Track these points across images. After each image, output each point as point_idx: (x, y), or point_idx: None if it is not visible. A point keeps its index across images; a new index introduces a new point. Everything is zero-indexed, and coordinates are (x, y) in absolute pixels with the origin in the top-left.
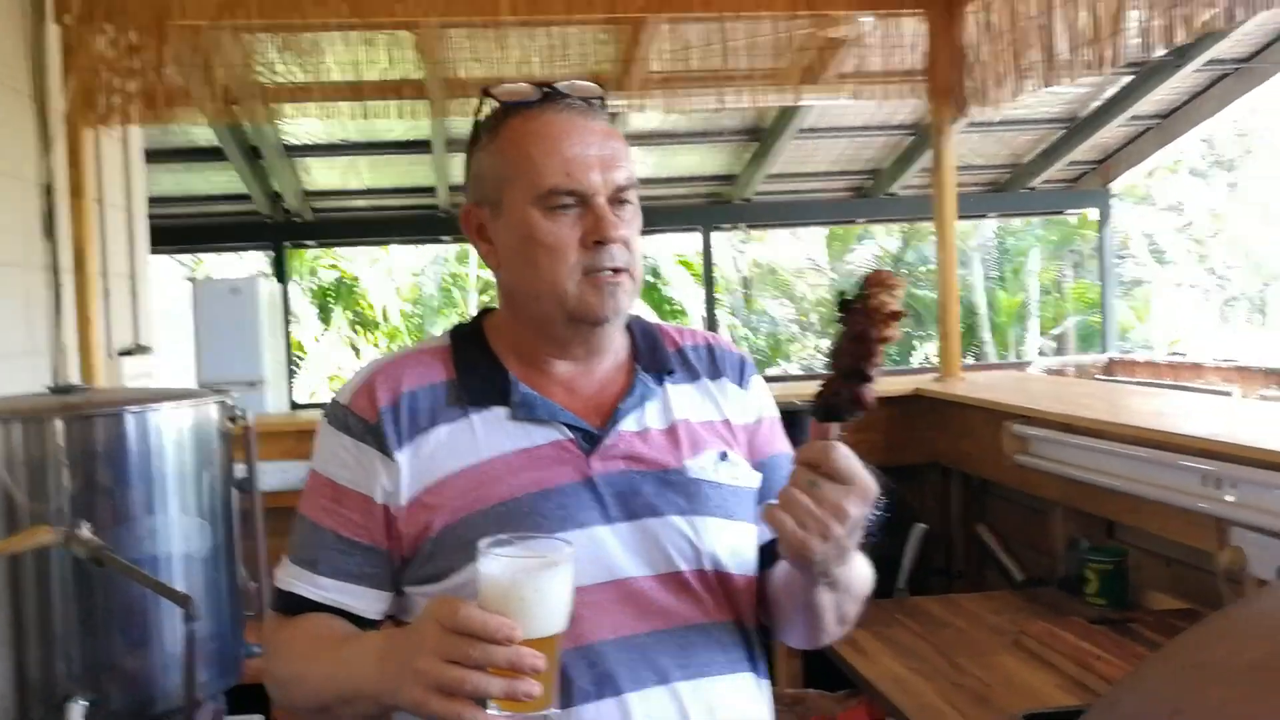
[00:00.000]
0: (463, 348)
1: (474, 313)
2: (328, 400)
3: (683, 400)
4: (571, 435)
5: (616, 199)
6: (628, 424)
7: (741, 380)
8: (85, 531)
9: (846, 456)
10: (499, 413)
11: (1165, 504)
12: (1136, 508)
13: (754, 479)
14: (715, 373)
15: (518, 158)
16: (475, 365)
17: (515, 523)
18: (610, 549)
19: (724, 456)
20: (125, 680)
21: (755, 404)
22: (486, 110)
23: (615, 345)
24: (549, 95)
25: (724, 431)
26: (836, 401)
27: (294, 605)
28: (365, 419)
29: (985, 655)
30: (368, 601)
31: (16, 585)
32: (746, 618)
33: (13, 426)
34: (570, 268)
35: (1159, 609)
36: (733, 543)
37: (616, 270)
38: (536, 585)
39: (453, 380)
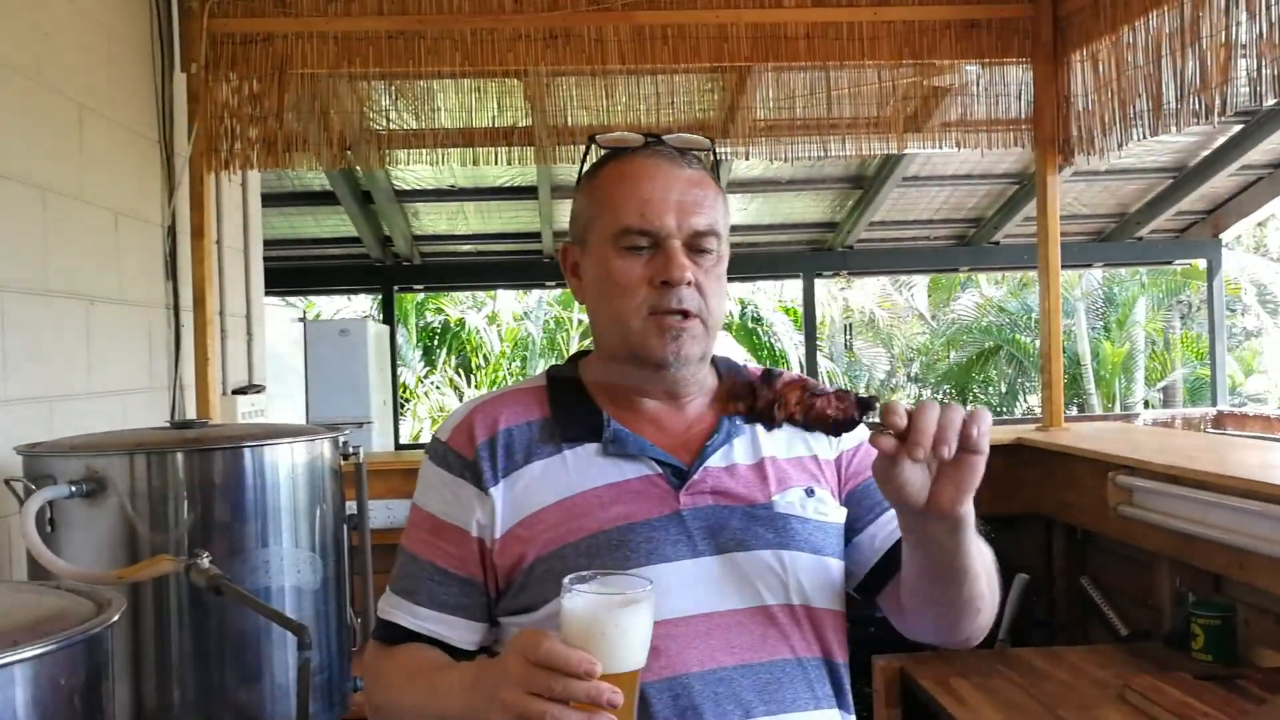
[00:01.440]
0: (558, 387)
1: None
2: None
3: (770, 438)
4: (660, 470)
5: (695, 245)
6: (715, 460)
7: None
8: (205, 561)
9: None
10: (591, 448)
11: (1276, 558)
12: (1245, 562)
13: (840, 515)
14: None
15: (603, 198)
16: (569, 403)
17: (605, 555)
18: (698, 582)
19: (811, 493)
20: (237, 709)
21: (829, 441)
22: (593, 156)
23: (705, 386)
24: (647, 145)
25: (812, 468)
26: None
27: (393, 634)
28: (463, 455)
29: (1088, 709)
30: (463, 632)
31: (136, 614)
32: (834, 653)
33: (136, 459)
34: (636, 306)
35: (1269, 666)
36: (820, 578)
37: (686, 315)
38: (617, 622)
39: (548, 418)
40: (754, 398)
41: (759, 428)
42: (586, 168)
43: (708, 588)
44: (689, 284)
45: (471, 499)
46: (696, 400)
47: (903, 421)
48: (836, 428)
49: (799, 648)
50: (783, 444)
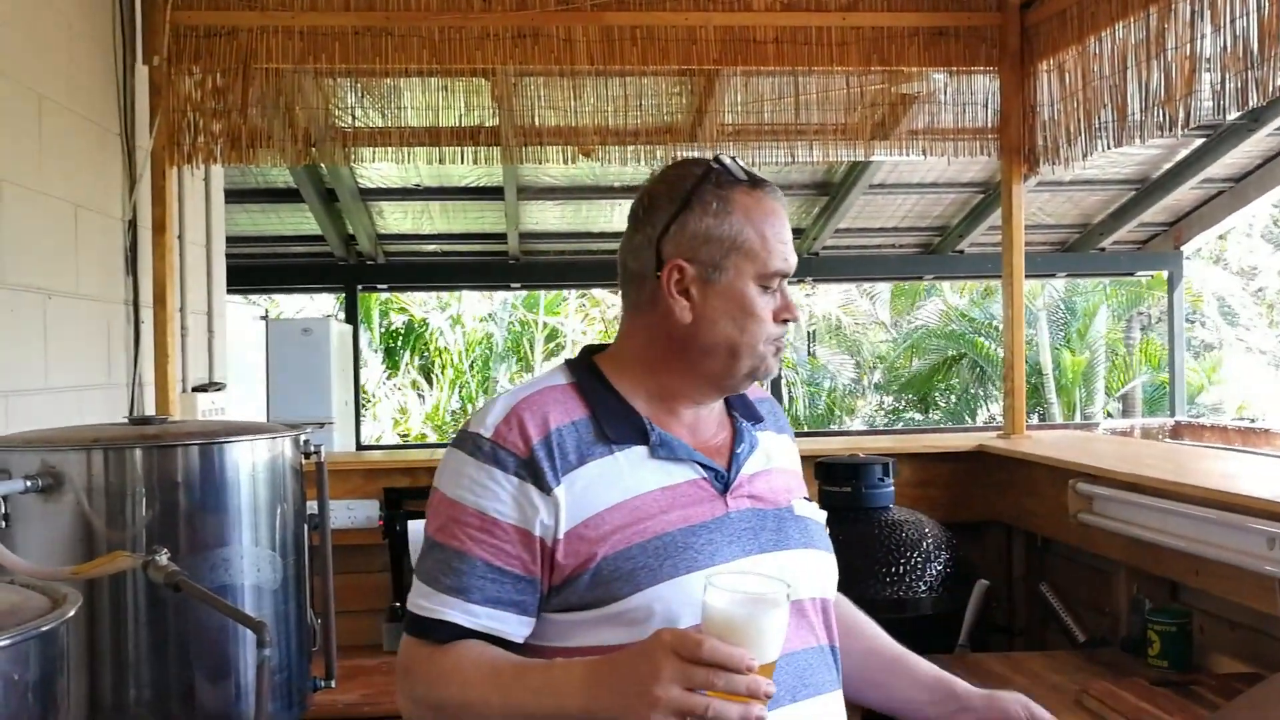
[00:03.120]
0: (590, 387)
1: (540, 357)
2: (459, 432)
3: (771, 448)
4: (705, 475)
5: None
6: (746, 468)
7: (792, 436)
8: (163, 558)
9: None
10: (639, 451)
11: (1231, 566)
12: (1201, 569)
13: (823, 518)
14: (780, 428)
15: (754, 235)
16: (607, 404)
17: (673, 556)
18: None
19: (808, 499)
20: (194, 707)
21: (796, 456)
22: (714, 178)
23: None
24: (750, 176)
25: (797, 480)
26: None
27: (443, 633)
28: (516, 454)
29: None
30: (517, 627)
31: (92, 611)
32: (835, 640)
33: (94, 455)
34: (767, 336)
35: (1223, 672)
36: (831, 573)
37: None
38: (769, 619)
39: (590, 418)
40: None
41: (765, 436)
42: (706, 188)
43: None
44: None
45: (535, 498)
46: (716, 408)
47: None
48: None
49: (820, 636)
50: (780, 454)
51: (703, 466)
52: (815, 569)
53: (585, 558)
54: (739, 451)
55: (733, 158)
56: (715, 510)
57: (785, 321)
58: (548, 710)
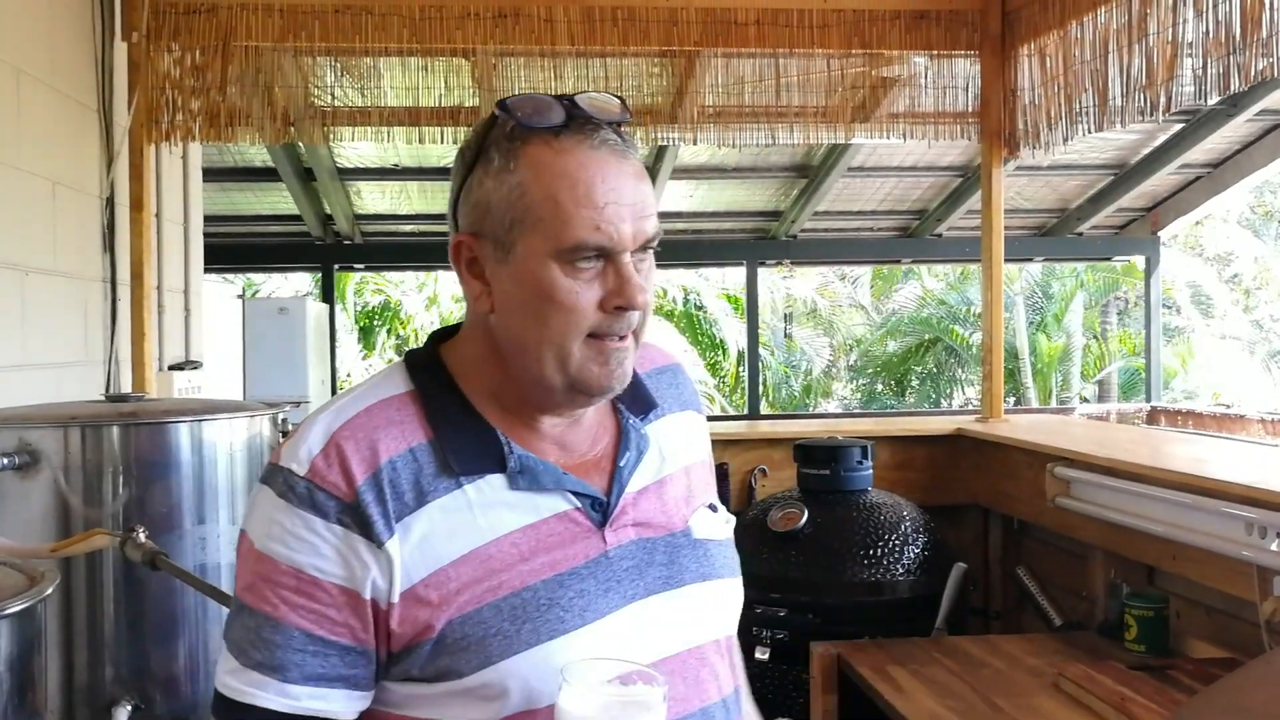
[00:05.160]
0: (433, 396)
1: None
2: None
3: (668, 444)
4: (579, 504)
5: (639, 250)
6: (631, 485)
7: (699, 408)
8: (141, 536)
9: None
10: (495, 481)
11: (1208, 551)
12: (1178, 554)
13: (731, 527)
14: (683, 403)
15: (542, 200)
16: (455, 421)
17: (534, 617)
18: (631, 634)
19: (714, 508)
20: (170, 686)
21: (705, 436)
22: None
23: None
24: (573, 118)
25: (703, 475)
26: None
27: (253, 718)
28: (338, 497)
29: (1023, 696)
30: (345, 704)
31: (68, 590)
32: (739, 676)
33: (70, 432)
34: (579, 330)
35: (1199, 657)
36: (736, 602)
37: (623, 336)
38: None
39: (434, 442)
40: None
41: (660, 427)
42: (495, 142)
43: (642, 637)
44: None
45: (363, 553)
46: (592, 409)
47: None
48: None
49: (724, 685)
50: (680, 448)
51: (575, 495)
52: (715, 605)
53: (424, 625)
54: (622, 465)
55: (562, 97)
56: (590, 549)
57: (620, 310)
58: None
